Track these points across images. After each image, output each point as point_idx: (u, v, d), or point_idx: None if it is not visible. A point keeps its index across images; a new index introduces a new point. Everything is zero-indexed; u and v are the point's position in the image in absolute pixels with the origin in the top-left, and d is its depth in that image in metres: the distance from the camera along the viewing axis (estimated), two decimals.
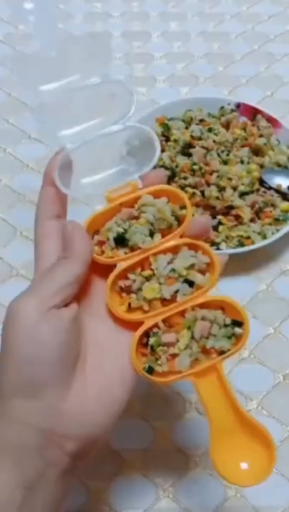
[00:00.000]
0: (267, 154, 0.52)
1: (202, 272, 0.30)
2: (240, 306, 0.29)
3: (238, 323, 0.29)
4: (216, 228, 0.48)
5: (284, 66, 0.63)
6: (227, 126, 0.55)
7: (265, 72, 0.63)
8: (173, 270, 0.29)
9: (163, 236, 0.30)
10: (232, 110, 0.56)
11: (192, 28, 0.67)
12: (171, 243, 0.30)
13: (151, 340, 0.29)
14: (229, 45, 0.65)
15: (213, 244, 0.47)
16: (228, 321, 0.29)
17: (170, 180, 0.51)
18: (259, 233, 0.48)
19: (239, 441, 0.29)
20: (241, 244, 0.47)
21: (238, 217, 0.49)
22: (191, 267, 0.30)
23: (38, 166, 0.55)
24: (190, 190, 0.49)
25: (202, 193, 0.49)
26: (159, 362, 0.29)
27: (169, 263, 0.29)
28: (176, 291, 0.29)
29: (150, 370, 0.29)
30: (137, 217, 0.30)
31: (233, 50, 0.65)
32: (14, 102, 0.60)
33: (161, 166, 0.51)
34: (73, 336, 0.28)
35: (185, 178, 0.50)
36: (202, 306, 0.30)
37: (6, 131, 0.58)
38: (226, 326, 0.29)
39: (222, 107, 0.56)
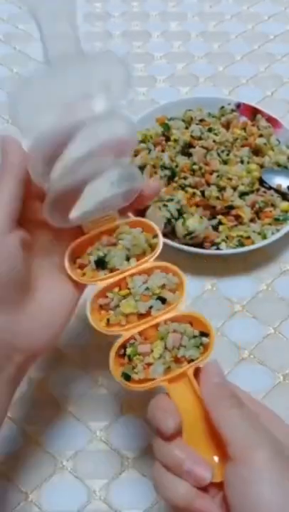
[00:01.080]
0: (267, 154, 0.52)
1: (172, 290, 0.34)
2: (206, 319, 0.33)
3: (204, 334, 0.33)
4: (216, 228, 0.48)
5: (284, 66, 0.63)
6: (227, 126, 0.55)
7: (265, 72, 0.63)
8: (147, 289, 0.34)
9: (137, 260, 0.35)
10: (232, 110, 0.55)
11: (192, 28, 0.67)
12: (146, 265, 0.34)
13: (128, 351, 0.33)
14: (229, 45, 0.65)
15: (213, 244, 0.47)
16: (196, 332, 0.33)
17: (170, 180, 0.51)
18: (259, 233, 0.48)
19: (206, 443, 0.31)
20: (241, 244, 0.47)
21: (238, 217, 0.48)
22: (163, 286, 0.34)
23: None
24: (190, 190, 0.49)
25: (202, 193, 0.49)
26: (135, 370, 0.33)
27: (143, 283, 0.34)
28: (151, 307, 0.33)
29: (127, 378, 0.32)
30: (114, 244, 0.35)
31: (233, 50, 0.65)
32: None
33: (161, 166, 0.51)
34: (18, 263, 0.31)
35: (185, 178, 0.50)
36: (173, 320, 0.33)
37: (6, 131, 0.57)
38: (194, 337, 0.33)
39: (222, 107, 0.56)
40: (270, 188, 0.51)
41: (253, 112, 0.56)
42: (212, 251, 0.47)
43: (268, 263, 0.49)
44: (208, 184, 0.49)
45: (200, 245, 0.47)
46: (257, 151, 0.53)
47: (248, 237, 0.47)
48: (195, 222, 0.47)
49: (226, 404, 0.30)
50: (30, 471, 0.38)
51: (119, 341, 0.33)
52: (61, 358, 0.43)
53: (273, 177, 0.51)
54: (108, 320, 0.34)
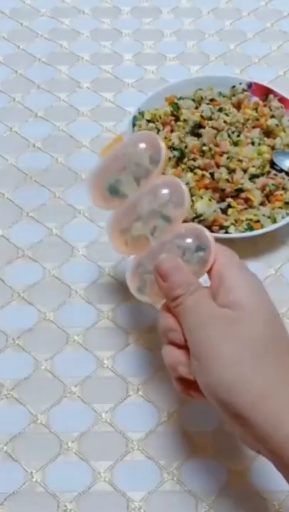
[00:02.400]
0: (279, 136, 0.51)
1: (178, 204, 0.36)
2: (206, 232, 0.35)
3: (203, 248, 0.35)
4: (225, 211, 0.47)
5: None
6: (238, 106, 0.53)
7: (278, 51, 0.61)
8: (153, 210, 0.36)
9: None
10: (243, 90, 0.54)
11: (203, 5, 0.65)
12: (152, 183, 0.36)
13: (139, 270, 0.37)
14: (241, 23, 0.64)
15: (221, 227, 0.47)
16: (197, 246, 0.35)
17: (179, 161, 0.50)
18: (269, 217, 0.47)
19: None
20: (250, 228, 0.46)
21: (247, 200, 0.48)
22: (166, 203, 0.36)
23: (44, 146, 0.54)
24: (199, 172, 0.48)
25: (211, 175, 0.48)
26: (146, 285, 0.36)
27: (149, 203, 0.36)
28: (155, 227, 0.36)
29: (140, 291, 0.37)
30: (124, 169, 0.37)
31: (245, 28, 0.63)
32: (20, 79, 0.59)
33: (170, 147, 0.50)
34: None
35: (194, 160, 0.49)
36: (177, 236, 0.36)
37: (11, 109, 0.57)
38: (196, 251, 0.35)
39: (233, 87, 0.54)
40: (281, 170, 0.50)
41: (265, 92, 0.54)
42: (220, 235, 0.46)
43: (277, 248, 0.48)
44: (218, 166, 0.48)
45: (208, 229, 0.46)
46: (268, 133, 0.52)
47: (258, 221, 0.47)
48: (203, 205, 0.46)
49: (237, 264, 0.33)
50: (35, 452, 0.38)
51: (135, 260, 0.37)
52: (67, 340, 0.43)
53: (285, 159, 0.50)
54: (126, 243, 0.37)
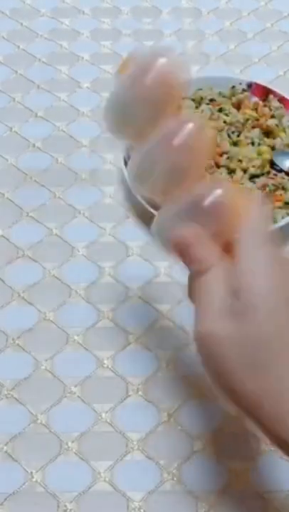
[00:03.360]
0: (278, 136, 0.51)
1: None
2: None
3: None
4: None
5: None
6: (238, 106, 0.53)
7: (278, 51, 0.61)
8: None
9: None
10: (243, 90, 0.54)
11: (203, 5, 0.65)
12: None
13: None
14: (241, 23, 0.64)
15: None
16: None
17: None
18: None
19: None
20: None
21: None
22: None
23: (44, 146, 0.54)
24: None
25: (212, 175, 0.48)
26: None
27: None
28: None
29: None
30: None
31: (245, 28, 0.63)
32: (20, 79, 0.59)
33: None
34: None
35: None
36: None
37: (11, 109, 0.57)
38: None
39: (233, 87, 0.54)
40: (281, 170, 0.50)
41: (265, 92, 0.54)
42: None
43: None
44: (218, 166, 0.48)
45: None
46: (268, 133, 0.52)
47: None
48: None
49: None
50: (35, 452, 0.38)
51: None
52: (67, 340, 0.43)
53: (285, 159, 0.50)
54: None
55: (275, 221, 0.47)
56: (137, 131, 0.32)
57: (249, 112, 0.52)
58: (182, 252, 0.30)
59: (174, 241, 0.30)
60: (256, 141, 0.50)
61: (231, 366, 0.26)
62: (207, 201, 0.29)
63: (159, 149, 0.31)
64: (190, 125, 0.30)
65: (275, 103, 0.53)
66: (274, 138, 0.51)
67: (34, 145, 0.54)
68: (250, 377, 0.26)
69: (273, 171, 0.50)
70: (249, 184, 0.48)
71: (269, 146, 0.50)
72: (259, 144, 0.50)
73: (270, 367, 0.26)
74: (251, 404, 0.26)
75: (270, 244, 0.28)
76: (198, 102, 0.53)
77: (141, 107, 0.31)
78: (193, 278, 0.29)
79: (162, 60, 0.31)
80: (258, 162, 0.49)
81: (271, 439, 0.26)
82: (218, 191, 0.29)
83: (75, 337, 0.43)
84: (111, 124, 0.33)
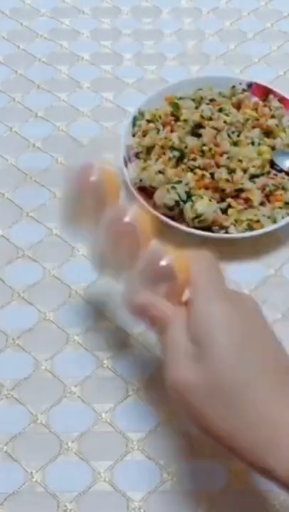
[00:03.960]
0: (278, 136, 0.51)
1: None
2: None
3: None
4: (225, 211, 0.47)
5: None
6: (238, 106, 0.53)
7: (278, 51, 0.61)
8: None
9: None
10: (243, 90, 0.54)
11: (203, 5, 0.65)
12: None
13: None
14: (241, 23, 0.64)
15: (221, 227, 0.47)
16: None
17: (179, 161, 0.50)
18: (269, 217, 0.47)
19: None
20: (250, 228, 0.46)
21: (247, 200, 0.48)
22: None
23: (44, 146, 0.54)
24: (199, 172, 0.48)
25: (211, 175, 0.48)
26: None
27: None
28: None
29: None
30: None
31: (245, 28, 0.63)
32: (20, 79, 0.59)
33: (170, 147, 0.50)
34: None
35: (194, 160, 0.49)
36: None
37: (11, 109, 0.57)
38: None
39: (233, 87, 0.54)
40: (281, 170, 0.50)
41: (265, 92, 0.54)
42: (221, 235, 0.46)
43: (277, 248, 0.48)
44: (218, 166, 0.48)
45: (208, 229, 0.46)
46: (268, 133, 0.52)
47: (258, 221, 0.47)
48: (204, 205, 0.46)
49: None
50: (35, 452, 0.38)
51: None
52: (67, 340, 0.43)
53: (285, 159, 0.50)
54: None
55: (275, 221, 0.47)
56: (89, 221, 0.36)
57: (249, 112, 0.52)
58: (143, 315, 0.33)
59: (133, 308, 0.34)
60: (256, 141, 0.50)
61: (201, 409, 0.29)
62: (155, 267, 0.33)
63: (104, 237, 0.35)
64: (128, 211, 0.34)
65: (275, 103, 0.53)
66: (274, 138, 0.51)
67: (34, 145, 0.54)
68: (221, 417, 0.28)
69: (273, 171, 0.50)
70: (249, 184, 0.48)
71: (269, 146, 0.50)
72: (259, 144, 0.50)
73: (236, 404, 0.28)
74: (227, 440, 0.29)
75: (220, 287, 0.32)
76: (198, 102, 0.53)
77: (87, 199, 0.36)
78: (159, 336, 0.32)
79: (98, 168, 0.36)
80: (258, 162, 0.49)
81: (251, 467, 0.29)
82: (165, 258, 0.32)
83: (75, 337, 0.43)
84: (66, 218, 0.38)
